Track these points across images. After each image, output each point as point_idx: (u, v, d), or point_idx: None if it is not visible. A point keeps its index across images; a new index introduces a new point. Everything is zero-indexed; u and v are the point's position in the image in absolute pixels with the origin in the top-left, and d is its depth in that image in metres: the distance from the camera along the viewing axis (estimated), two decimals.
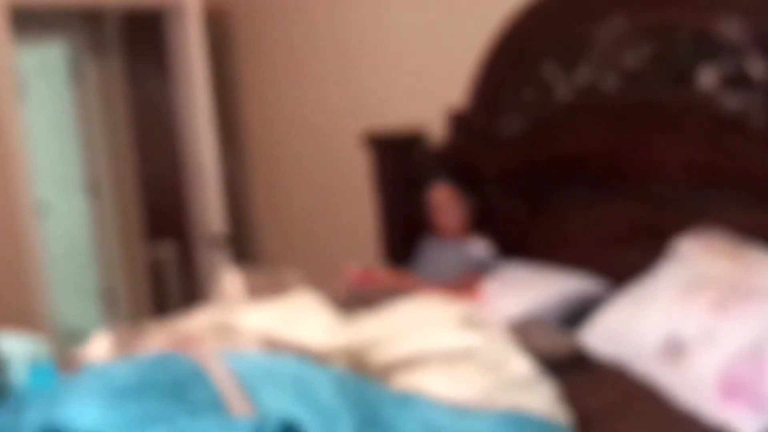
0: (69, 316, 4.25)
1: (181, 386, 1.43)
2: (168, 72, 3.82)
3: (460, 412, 1.40)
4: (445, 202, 2.68)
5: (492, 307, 2.22)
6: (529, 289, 2.29)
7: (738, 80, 1.98)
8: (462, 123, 2.72)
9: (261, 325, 1.92)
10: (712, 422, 1.56)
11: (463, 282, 2.48)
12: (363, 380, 1.55)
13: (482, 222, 2.69)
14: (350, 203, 3.39)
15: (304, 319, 1.90)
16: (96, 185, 4.51)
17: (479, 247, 2.61)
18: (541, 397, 1.52)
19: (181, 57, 3.61)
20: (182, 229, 5.13)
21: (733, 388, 1.57)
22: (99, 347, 1.86)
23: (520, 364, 1.61)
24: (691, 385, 1.64)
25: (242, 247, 3.90)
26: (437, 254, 2.67)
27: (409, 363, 1.71)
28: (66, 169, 4.52)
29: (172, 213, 5.27)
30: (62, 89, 4.38)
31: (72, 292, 4.49)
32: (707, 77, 2.08)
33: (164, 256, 4.99)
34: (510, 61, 2.52)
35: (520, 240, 2.62)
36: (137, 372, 1.43)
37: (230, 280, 2.36)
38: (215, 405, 1.43)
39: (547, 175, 2.53)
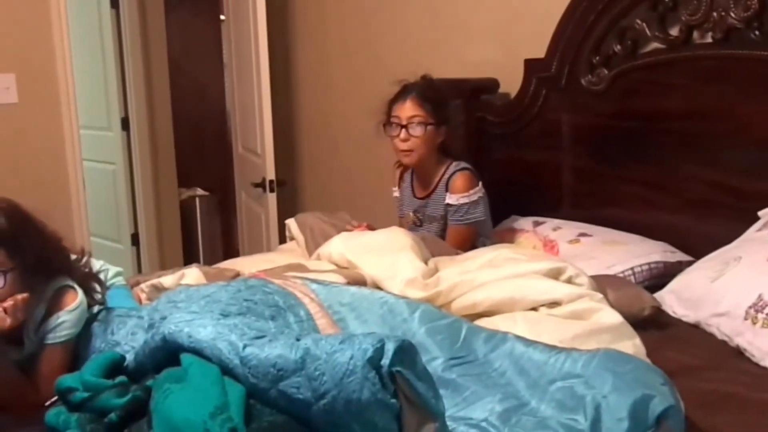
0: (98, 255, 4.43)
1: (278, 310, 1.57)
2: (216, 10, 3.89)
3: (553, 350, 1.53)
4: (409, 119, 2.51)
5: None
6: (604, 254, 2.40)
7: None
8: (539, 73, 2.81)
9: (344, 255, 2.07)
10: None
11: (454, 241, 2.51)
12: (451, 317, 1.68)
13: (554, 176, 2.79)
14: None
15: (389, 258, 2.04)
16: (126, 121, 4.62)
17: (455, 198, 2.53)
18: (632, 347, 1.64)
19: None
20: (217, 173, 5.32)
21: None
22: (190, 279, 2.02)
23: (609, 316, 1.74)
24: None
25: (290, 194, 4.03)
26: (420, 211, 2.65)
27: (491, 310, 1.85)
28: (101, 101, 4.64)
29: (206, 157, 5.45)
30: (103, 14, 4.48)
31: (102, 230, 4.66)
32: None
33: (196, 200, 5.17)
34: (597, 12, 2.61)
35: (590, 197, 2.74)
36: (235, 296, 1.58)
37: (299, 222, 2.51)
38: (310, 329, 1.57)
39: (625, 132, 2.63)
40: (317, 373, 1.23)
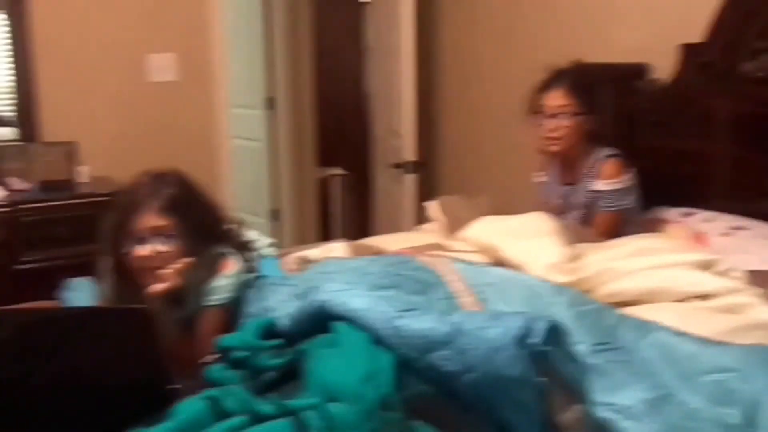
0: None
1: (424, 287, 1.62)
2: None
3: (705, 342, 1.50)
4: (559, 109, 2.48)
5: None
6: (762, 249, 2.30)
7: None
8: (697, 58, 2.72)
9: (485, 237, 2.10)
10: None
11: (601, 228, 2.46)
12: (598, 304, 1.68)
13: (707, 166, 2.69)
14: None
15: (531, 242, 2.04)
16: (272, 100, 4.80)
17: (605, 184, 2.49)
18: None
19: None
20: (355, 154, 5.44)
21: None
22: (336, 253, 2.11)
23: (765, 311, 1.68)
24: None
25: (427, 176, 4.08)
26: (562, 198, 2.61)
27: (638, 299, 1.82)
28: (249, 81, 4.83)
29: (345, 137, 5.59)
30: None
31: (244, 205, 4.87)
32: None
33: (334, 179, 5.32)
34: None
35: (747, 189, 2.62)
36: (385, 270, 1.64)
37: (441, 205, 2.55)
38: (455, 307, 1.61)
39: None
40: (466, 347, 1.26)
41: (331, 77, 5.48)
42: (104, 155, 3.50)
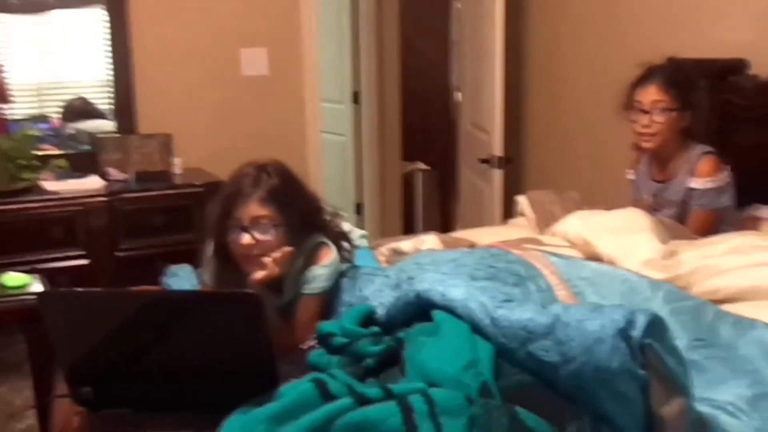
0: None
1: (520, 279, 1.65)
2: None
3: None
4: (653, 104, 2.47)
5: None
6: None
7: None
8: None
9: (579, 232, 2.11)
10: None
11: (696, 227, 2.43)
12: (696, 299, 1.68)
13: None
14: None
15: (626, 237, 2.05)
16: (357, 95, 4.88)
17: (700, 182, 2.46)
18: None
19: None
20: (438, 149, 5.48)
21: None
22: (428, 246, 2.16)
23: None
24: None
25: (514, 171, 4.09)
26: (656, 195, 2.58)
27: (735, 297, 1.81)
28: (336, 75, 4.93)
29: (429, 133, 5.63)
30: None
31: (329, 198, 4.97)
32: None
33: (417, 174, 5.37)
34: None
35: None
36: (480, 262, 1.68)
37: (530, 200, 2.57)
38: (551, 300, 1.64)
39: None
40: (566, 338, 1.29)
41: (416, 72, 5.53)
42: (197, 147, 3.64)
